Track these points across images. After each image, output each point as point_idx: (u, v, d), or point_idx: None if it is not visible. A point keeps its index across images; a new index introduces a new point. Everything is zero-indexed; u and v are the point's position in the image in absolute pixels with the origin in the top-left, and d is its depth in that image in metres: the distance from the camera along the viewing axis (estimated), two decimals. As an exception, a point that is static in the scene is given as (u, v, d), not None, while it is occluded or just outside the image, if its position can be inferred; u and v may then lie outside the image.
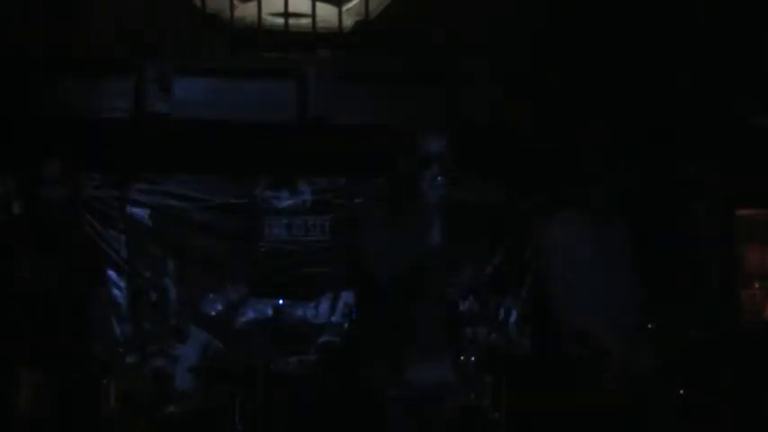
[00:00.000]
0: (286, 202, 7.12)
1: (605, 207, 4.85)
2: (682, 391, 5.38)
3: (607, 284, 4.71)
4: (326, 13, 6.20)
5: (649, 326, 4.87)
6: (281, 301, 6.91)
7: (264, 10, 6.07)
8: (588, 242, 4.75)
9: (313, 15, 6.08)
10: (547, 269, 4.74)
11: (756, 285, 6.58)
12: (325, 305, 7.04)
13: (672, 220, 6.26)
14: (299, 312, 7.03)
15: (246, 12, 6.17)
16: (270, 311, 6.94)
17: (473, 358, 6.47)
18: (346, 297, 6.95)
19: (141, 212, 6.88)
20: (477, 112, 5.99)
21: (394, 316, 4.21)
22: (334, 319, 7.04)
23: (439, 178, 4.16)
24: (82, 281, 4.67)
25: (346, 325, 6.68)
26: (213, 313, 6.72)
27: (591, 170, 4.99)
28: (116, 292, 6.75)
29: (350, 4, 6.33)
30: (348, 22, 6.30)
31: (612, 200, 4.86)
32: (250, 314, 6.94)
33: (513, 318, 7.01)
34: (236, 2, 6.14)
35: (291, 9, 6.06)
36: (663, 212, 6.21)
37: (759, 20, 6.03)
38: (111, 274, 6.71)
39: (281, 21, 6.09)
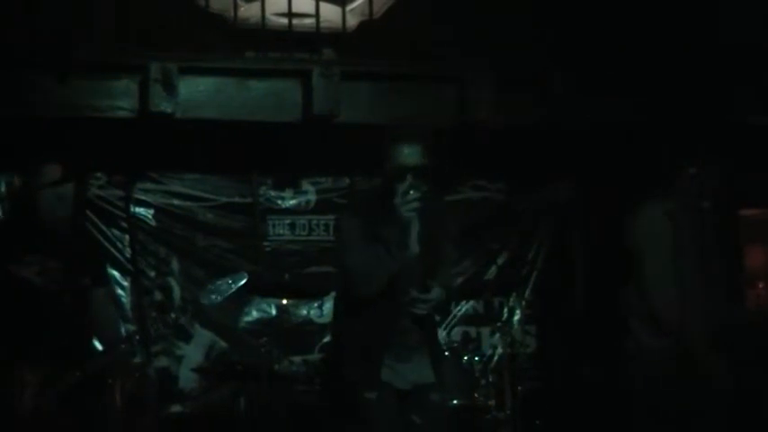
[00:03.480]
0: (290, 201, 7.13)
1: (703, 200, 4.83)
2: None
3: (703, 281, 4.72)
4: (330, 13, 6.20)
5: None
6: (284, 301, 6.91)
7: (268, 10, 6.07)
8: (689, 234, 4.73)
9: (317, 15, 6.08)
10: (646, 256, 4.71)
11: (761, 285, 6.58)
12: (328, 305, 7.04)
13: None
14: (303, 312, 7.04)
15: (250, 12, 6.18)
16: (274, 311, 6.94)
17: (477, 358, 6.48)
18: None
19: (145, 212, 6.89)
20: (481, 112, 6.00)
21: (371, 321, 4.19)
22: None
23: (412, 192, 4.09)
24: (85, 280, 4.66)
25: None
26: (217, 313, 6.72)
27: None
28: (120, 291, 6.76)
29: (353, 5, 6.33)
30: (352, 22, 6.30)
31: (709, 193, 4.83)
32: (254, 314, 6.95)
33: (517, 317, 7.01)
34: (239, 2, 6.15)
35: (295, 9, 6.06)
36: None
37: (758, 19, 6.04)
38: (115, 273, 6.72)
39: (284, 21, 6.09)
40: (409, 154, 4.15)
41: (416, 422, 4.22)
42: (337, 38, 6.24)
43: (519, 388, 6.10)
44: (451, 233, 4.63)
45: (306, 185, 7.13)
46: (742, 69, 5.99)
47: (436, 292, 4.19)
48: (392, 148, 4.18)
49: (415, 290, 4.16)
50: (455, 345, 6.80)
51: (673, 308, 4.60)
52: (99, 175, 6.77)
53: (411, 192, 4.07)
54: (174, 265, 6.88)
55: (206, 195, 6.97)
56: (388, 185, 4.16)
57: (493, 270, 7.22)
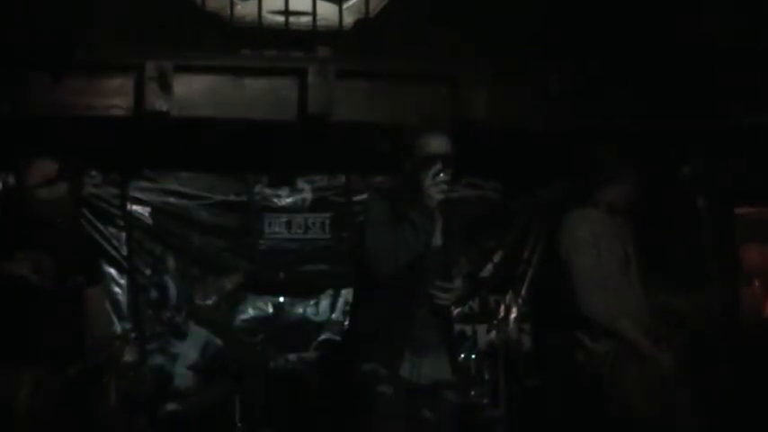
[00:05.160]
0: (286, 199, 7.13)
1: (622, 205, 4.91)
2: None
3: (629, 281, 4.77)
4: (327, 11, 6.20)
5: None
6: (280, 299, 6.91)
7: (264, 8, 6.06)
8: (612, 238, 4.80)
9: (313, 13, 6.08)
10: (573, 263, 4.77)
11: (756, 283, 6.59)
12: (325, 303, 7.05)
13: (670, 218, 6.27)
14: (299, 310, 7.04)
15: (246, 10, 6.17)
16: (270, 309, 6.95)
17: (473, 356, 6.49)
18: (346, 295, 6.95)
19: (141, 210, 6.88)
20: (476, 111, 6.00)
21: (392, 313, 4.21)
22: (334, 316, 7.04)
23: (441, 175, 4.20)
24: (80, 279, 4.67)
25: (346, 322, 6.69)
26: (213, 311, 6.72)
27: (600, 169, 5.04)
28: (116, 289, 6.75)
29: (350, 2, 6.32)
30: (348, 20, 6.29)
31: (626, 198, 4.92)
32: (250, 312, 6.94)
33: (513, 316, 7.01)
34: (236, 0, 6.14)
35: (292, 7, 6.05)
36: (661, 211, 6.22)
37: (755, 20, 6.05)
38: (112, 271, 6.72)
39: (281, 19, 6.09)
40: (439, 143, 4.30)
41: (428, 419, 4.24)
42: (333, 36, 6.23)
43: (514, 386, 6.10)
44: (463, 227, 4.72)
45: (301, 184, 7.13)
46: (739, 71, 5.99)
47: (458, 283, 4.29)
48: (420, 139, 4.29)
49: (439, 281, 4.22)
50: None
51: (600, 309, 4.65)
52: (94, 173, 6.78)
53: (440, 175, 4.16)
54: (170, 263, 6.88)
55: (202, 193, 6.97)
56: (415, 176, 4.24)
57: (489, 268, 7.23)
